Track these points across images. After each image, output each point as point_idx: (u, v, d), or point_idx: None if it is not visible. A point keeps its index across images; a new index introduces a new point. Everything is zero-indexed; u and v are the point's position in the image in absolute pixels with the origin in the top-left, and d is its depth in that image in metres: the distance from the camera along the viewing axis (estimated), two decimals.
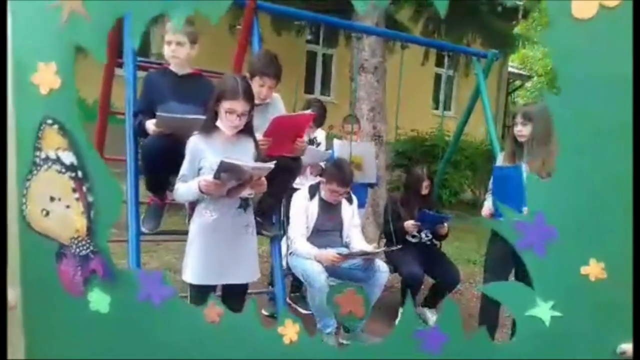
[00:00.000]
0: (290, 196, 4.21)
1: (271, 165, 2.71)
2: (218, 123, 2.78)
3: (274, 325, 2.13)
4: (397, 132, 5.90)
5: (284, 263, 3.94)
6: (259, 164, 2.76)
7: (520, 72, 19.95)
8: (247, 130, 2.88)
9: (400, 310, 4.38)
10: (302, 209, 4.12)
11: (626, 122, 1.87)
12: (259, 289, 4.14)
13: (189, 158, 2.82)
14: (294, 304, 4.60)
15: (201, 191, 2.73)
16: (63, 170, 2.13)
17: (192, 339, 2.17)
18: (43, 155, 2.15)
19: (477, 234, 7.24)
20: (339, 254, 3.90)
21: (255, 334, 2.14)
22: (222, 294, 2.94)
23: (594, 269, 1.96)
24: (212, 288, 2.88)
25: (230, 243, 2.87)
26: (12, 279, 2.27)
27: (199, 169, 2.81)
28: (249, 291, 3.15)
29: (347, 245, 4.21)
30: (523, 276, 2.15)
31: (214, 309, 2.13)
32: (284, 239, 4.14)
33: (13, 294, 2.27)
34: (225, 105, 2.73)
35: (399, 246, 4.40)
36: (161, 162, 3.18)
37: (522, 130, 3.48)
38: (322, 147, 4.91)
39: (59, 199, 2.15)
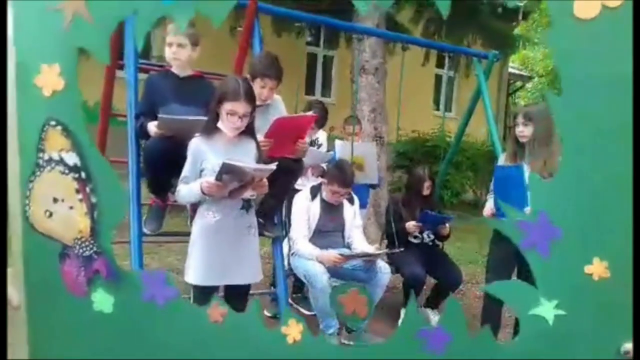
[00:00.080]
0: (292, 197, 4.22)
1: (273, 166, 2.71)
2: (219, 124, 2.79)
3: (277, 325, 2.13)
4: (398, 133, 5.91)
5: (285, 264, 3.95)
6: (261, 166, 2.77)
7: (521, 73, 19.96)
8: (248, 131, 2.88)
9: (403, 310, 4.40)
10: (304, 210, 4.12)
11: (628, 122, 1.87)
12: (261, 290, 4.14)
13: (191, 159, 2.82)
14: (296, 305, 4.60)
15: (203, 193, 2.73)
16: (66, 171, 2.13)
17: (195, 339, 2.17)
18: (46, 157, 2.15)
19: (478, 234, 7.23)
20: (340, 254, 3.90)
21: (259, 334, 2.13)
22: (224, 295, 2.95)
23: (597, 268, 1.96)
24: (215, 289, 2.89)
25: (232, 244, 2.87)
26: (17, 280, 2.27)
27: (201, 171, 2.82)
28: (251, 292, 3.15)
29: (348, 246, 4.21)
30: (525, 276, 2.15)
31: (217, 309, 2.13)
32: (286, 240, 4.14)
33: (17, 295, 2.28)
34: (226, 106, 2.74)
35: (401, 248, 4.41)
36: (163, 164, 3.19)
37: (524, 131, 3.48)
38: (324, 149, 4.92)
39: (63, 200, 2.16)
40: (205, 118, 2.90)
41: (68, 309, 2.21)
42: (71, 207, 2.14)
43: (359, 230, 4.33)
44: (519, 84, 19.87)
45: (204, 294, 2.75)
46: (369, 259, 4.02)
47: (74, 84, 2.09)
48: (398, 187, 9.29)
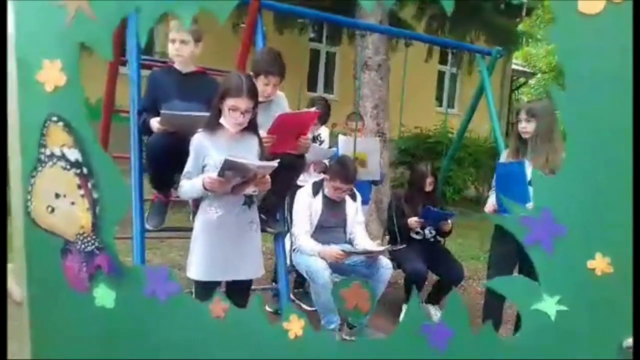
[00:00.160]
0: (294, 193, 4.22)
1: (275, 163, 2.71)
2: (222, 120, 2.79)
3: (279, 321, 2.13)
4: (400, 129, 5.90)
5: (287, 260, 3.95)
6: (263, 163, 2.77)
7: (524, 69, 19.90)
8: (251, 127, 2.89)
9: (404, 306, 4.40)
10: (306, 206, 4.12)
11: (631, 119, 1.87)
12: (262, 285, 4.14)
13: (193, 155, 2.83)
14: (297, 301, 4.61)
15: (205, 188, 2.74)
16: (68, 167, 2.14)
17: (197, 334, 2.18)
18: (48, 152, 2.15)
19: (480, 230, 7.23)
20: (343, 250, 3.90)
21: (261, 329, 2.14)
22: (226, 291, 2.95)
23: (600, 264, 1.97)
24: (217, 284, 2.89)
25: (234, 240, 2.88)
26: (19, 275, 2.28)
27: (203, 166, 2.82)
28: (252, 287, 3.16)
29: (350, 242, 4.21)
30: (527, 272, 2.15)
31: (219, 305, 2.14)
32: (288, 235, 4.14)
33: (19, 290, 2.28)
34: (229, 102, 2.74)
35: (403, 245, 4.41)
36: (165, 160, 3.19)
37: (526, 127, 3.47)
38: (326, 145, 4.92)
39: (64, 196, 2.16)
40: (207, 114, 2.90)
41: (70, 304, 2.22)
42: (73, 203, 2.14)
43: (361, 227, 4.32)
44: (522, 80, 19.80)
45: (205, 289, 2.76)
46: (371, 256, 4.02)
47: (76, 79, 2.10)
48: (400, 183, 9.29)
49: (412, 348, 2.06)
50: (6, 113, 2.17)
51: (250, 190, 2.84)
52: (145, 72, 3.66)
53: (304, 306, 4.49)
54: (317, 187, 4.22)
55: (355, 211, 4.29)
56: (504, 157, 3.75)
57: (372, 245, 4.16)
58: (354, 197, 4.32)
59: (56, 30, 2.07)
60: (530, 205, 2.16)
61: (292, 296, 4.51)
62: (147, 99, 3.40)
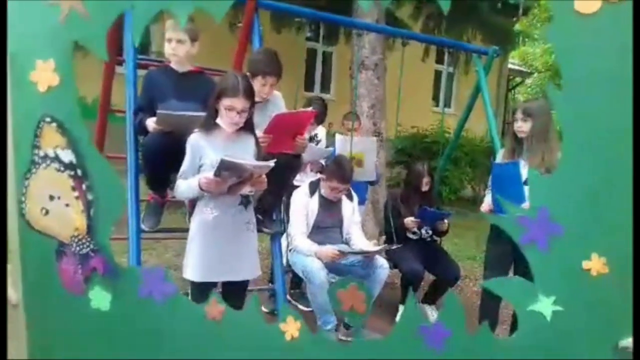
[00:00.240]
0: (291, 193, 4.21)
1: (271, 163, 2.70)
2: (218, 120, 2.79)
3: (275, 321, 2.13)
4: (397, 129, 5.90)
5: (284, 260, 3.94)
6: (260, 163, 2.76)
7: (521, 68, 19.94)
8: (247, 127, 2.88)
9: (401, 306, 4.40)
10: (302, 206, 4.12)
11: (629, 118, 1.87)
12: (259, 286, 4.14)
13: (190, 155, 2.82)
14: (294, 301, 4.60)
15: (201, 189, 2.73)
16: (62, 168, 2.12)
17: (193, 335, 2.17)
18: (42, 154, 2.14)
19: (476, 230, 7.25)
20: (339, 251, 3.90)
21: (258, 330, 2.13)
22: (222, 291, 2.95)
23: (595, 264, 1.97)
24: (213, 285, 2.89)
25: (230, 240, 2.87)
26: (14, 278, 2.27)
27: (200, 166, 2.82)
28: (249, 288, 3.15)
29: (347, 242, 4.21)
30: (523, 273, 2.15)
31: (215, 307, 2.13)
32: (284, 236, 4.14)
33: (14, 293, 2.27)
34: (225, 102, 2.74)
35: (399, 245, 4.41)
36: (162, 160, 3.18)
37: (522, 127, 3.48)
38: (323, 145, 4.91)
39: (59, 198, 2.15)
40: (204, 114, 2.89)
41: (65, 306, 2.21)
42: (67, 205, 2.13)
43: (357, 226, 4.32)
44: (518, 79, 19.85)
45: (202, 290, 2.75)
46: (367, 255, 4.01)
47: (70, 79, 2.08)
48: (397, 182, 9.29)
49: (409, 349, 2.06)
50: (6, 113, 2.15)
51: (246, 190, 2.83)
52: (142, 72, 3.65)
53: (301, 307, 4.48)
54: (313, 187, 4.21)
55: (351, 211, 4.29)
56: (500, 156, 3.76)
57: (369, 246, 4.15)
58: (350, 197, 4.31)
59: (49, 29, 2.06)
60: (526, 205, 2.15)
61: (288, 297, 4.51)
62: (143, 99, 3.39)
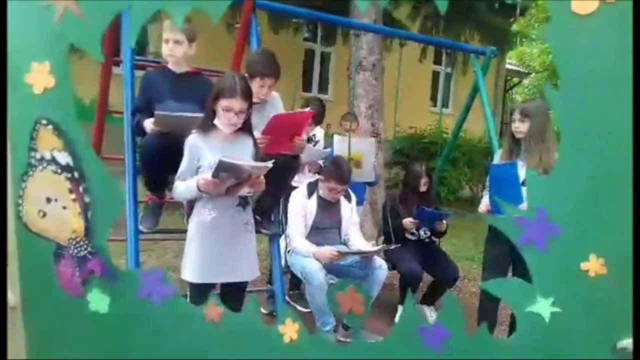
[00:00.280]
0: (289, 194, 4.21)
1: (269, 164, 2.70)
2: (216, 121, 2.78)
3: (274, 323, 2.12)
4: (395, 129, 5.90)
5: (282, 261, 3.94)
6: (258, 164, 2.76)
7: (518, 69, 19.95)
8: (245, 128, 2.88)
9: (400, 307, 4.40)
10: (301, 207, 4.11)
11: (627, 118, 1.87)
12: (258, 287, 4.13)
13: (188, 156, 2.81)
14: (292, 302, 4.60)
15: (200, 190, 2.72)
16: (59, 170, 2.11)
17: (192, 337, 2.17)
18: (38, 156, 2.13)
19: (474, 231, 7.25)
20: (337, 251, 3.90)
21: (256, 332, 2.13)
22: (220, 292, 2.94)
23: (593, 265, 1.97)
24: (212, 286, 2.88)
25: (229, 241, 2.86)
26: (11, 280, 2.26)
27: (198, 168, 2.81)
28: (248, 289, 3.15)
29: (345, 243, 4.21)
30: (521, 274, 2.15)
31: (214, 309, 2.13)
32: (283, 237, 4.13)
33: (12, 295, 2.26)
34: (222, 103, 2.73)
35: (398, 245, 4.41)
36: (159, 161, 3.18)
37: (520, 127, 3.47)
38: (321, 145, 4.91)
39: (56, 200, 2.14)
40: (201, 115, 2.89)
41: (64, 309, 2.20)
42: (64, 207, 2.12)
43: (355, 227, 4.32)
44: (516, 80, 19.86)
45: (200, 291, 2.75)
46: (366, 256, 4.01)
47: (65, 82, 2.07)
48: (395, 183, 9.29)
49: (408, 350, 2.06)
50: (6, 114, 2.15)
51: (244, 191, 2.83)
52: (139, 73, 3.65)
53: (299, 308, 4.48)
54: (311, 188, 4.21)
55: (350, 212, 4.29)
56: (498, 157, 3.76)
57: (367, 246, 4.15)
58: (348, 198, 4.31)
59: (45, 31, 2.05)
60: (524, 205, 2.15)
61: (287, 298, 4.50)
62: (140, 100, 3.39)
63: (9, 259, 2.23)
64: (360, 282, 4.01)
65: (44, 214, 2.15)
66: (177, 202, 3.16)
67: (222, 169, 2.58)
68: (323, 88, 13.04)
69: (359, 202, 4.72)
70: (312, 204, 4.15)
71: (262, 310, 4.21)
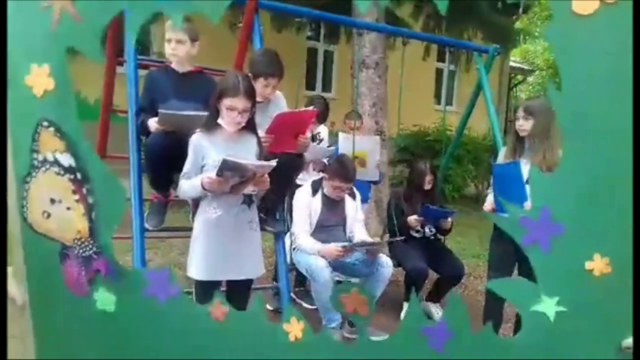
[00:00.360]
0: (294, 192, 4.22)
1: (273, 163, 2.71)
2: (220, 120, 2.79)
3: (280, 319, 2.13)
4: (399, 127, 5.90)
5: (288, 259, 3.94)
6: (262, 162, 2.77)
7: (522, 66, 19.91)
8: (249, 127, 2.88)
9: (405, 304, 4.40)
10: (305, 205, 4.12)
11: (628, 117, 1.87)
12: (263, 284, 4.14)
13: (192, 155, 2.82)
14: (298, 299, 4.61)
15: (204, 188, 2.73)
16: (62, 172, 2.12)
17: (197, 336, 2.17)
18: (41, 158, 2.13)
19: (479, 228, 7.24)
20: (342, 246, 3.90)
21: (261, 330, 2.14)
22: (226, 290, 2.96)
23: (598, 264, 1.96)
24: (217, 284, 2.90)
25: (234, 239, 2.87)
26: (19, 279, 2.27)
27: (202, 166, 2.82)
28: (253, 286, 3.16)
29: (350, 241, 4.21)
30: (527, 273, 2.14)
31: (219, 307, 2.13)
32: (288, 234, 4.14)
33: (20, 294, 2.28)
34: (226, 102, 2.74)
35: (401, 237, 4.41)
36: (164, 160, 3.19)
37: (524, 125, 3.47)
38: (325, 144, 4.91)
39: (60, 201, 2.14)
40: (206, 113, 2.90)
41: (71, 308, 2.22)
42: (68, 208, 2.13)
43: (360, 225, 4.32)
44: (520, 77, 19.82)
45: (206, 289, 2.76)
46: (371, 252, 4.01)
47: (65, 83, 2.07)
48: (399, 181, 9.28)
49: (413, 349, 2.06)
50: (6, 114, 2.15)
51: (249, 190, 2.84)
52: (143, 73, 3.66)
53: (305, 305, 4.49)
54: (316, 186, 4.21)
55: (354, 210, 4.29)
56: (502, 155, 3.75)
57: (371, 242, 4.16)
58: (353, 196, 4.32)
59: (43, 33, 2.05)
60: (527, 204, 2.15)
61: (292, 295, 4.51)
62: (144, 99, 3.40)
63: (15, 257, 2.25)
64: (366, 279, 4.03)
65: (49, 215, 2.15)
66: (182, 200, 3.17)
67: (226, 168, 2.59)
68: (326, 86, 13.04)
69: (364, 200, 4.72)
70: (317, 202, 4.16)
71: (268, 307, 4.23)
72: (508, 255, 3.35)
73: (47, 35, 2.05)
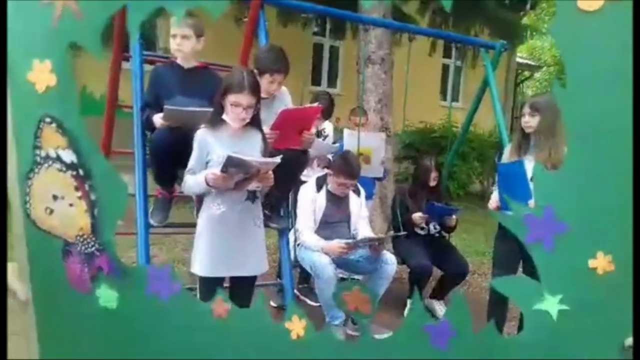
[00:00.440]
0: (298, 189, 4.22)
1: (277, 159, 2.71)
2: (224, 116, 2.79)
3: (282, 319, 2.13)
4: (404, 123, 5.89)
5: (292, 255, 3.95)
6: (266, 159, 2.77)
7: (529, 62, 19.83)
8: (254, 123, 2.88)
9: (409, 301, 4.40)
10: (310, 201, 4.12)
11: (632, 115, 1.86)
12: (267, 280, 4.15)
13: (197, 151, 2.83)
14: (302, 296, 4.61)
15: (208, 184, 2.74)
16: (64, 168, 2.12)
17: (200, 333, 2.18)
18: (43, 154, 2.13)
19: (484, 226, 7.23)
20: (346, 243, 3.90)
21: (264, 328, 2.14)
22: (230, 286, 2.96)
23: (601, 262, 1.95)
24: (221, 280, 2.90)
25: (238, 235, 2.88)
26: (23, 275, 2.28)
27: (207, 162, 2.82)
28: (257, 283, 3.16)
29: (354, 237, 4.21)
30: (531, 272, 2.14)
31: (221, 305, 2.14)
32: (292, 231, 4.14)
33: (23, 290, 2.29)
34: (231, 98, 2.74)
35: (405, 233, 4.41)
36: (169, 155, 3.20)
37: (530, 122, 3.45)
38: (330, 140, 4.91)
39: (62, 198, 2.15)
40: (211, 109, 2.90)
41: (75, 304, 2.22)
42: (71, 205, 2.13)
43: (365, 221, 4.32)
44: (527, 73, 19.74)
45: (209, 285, 2.76)
46: (375, 248, 4.01)
47: (67, 79, 2.07)
48: (405, 177, 9.27)
49: (416, 347, 2.06)
50: (6, 113, 2.16)
51: (253, 186, 2.84)
52: (148, 68, 3.66)
53: (309, 301, 4.50)
54: (320, 183, 4.21)
55: (359, 206, 4.29)
56: (507, 152, 3.73)
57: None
58: (357, 193, 4.31)
59: (45, 29, 2.05)
60: (531, 202, 2.14)
61: (296, 291, 4.52)
62: (149, 95, 3.41)
63: (19, 254, 2.26)
64: (370, 276, 4.03)
65: (51, 211, 2.16)
66: (186, 196, 3.17)
67: (231, 164, 2.59)
68: (332, 82, 13.02)
69: (368, 197, 4.72)
70: (321, 198, 4.15)
71: (272, 303, 4.25)
72: (512, 253, 3.34)
73: (49, 31, 2.05)
